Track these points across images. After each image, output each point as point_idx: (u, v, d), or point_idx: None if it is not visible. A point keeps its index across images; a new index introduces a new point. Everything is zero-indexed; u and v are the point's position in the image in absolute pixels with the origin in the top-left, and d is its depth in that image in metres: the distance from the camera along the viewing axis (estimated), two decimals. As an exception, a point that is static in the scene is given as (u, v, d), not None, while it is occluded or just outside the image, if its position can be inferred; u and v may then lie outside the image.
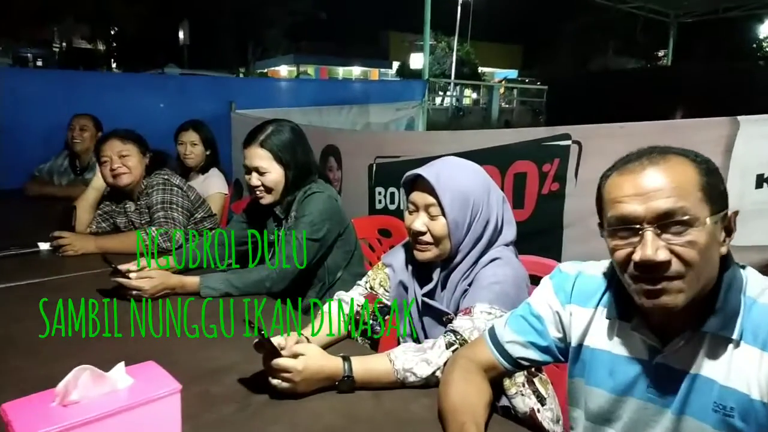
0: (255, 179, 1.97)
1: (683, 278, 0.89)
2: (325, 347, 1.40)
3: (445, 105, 23.90)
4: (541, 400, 1.40)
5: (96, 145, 2.47)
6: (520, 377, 1.39)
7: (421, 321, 1.49)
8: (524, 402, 1.38)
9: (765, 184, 1.83)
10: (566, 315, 1.12)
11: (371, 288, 1.58)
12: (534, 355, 1.16)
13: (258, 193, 1.99)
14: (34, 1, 14.66)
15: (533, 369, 1.42)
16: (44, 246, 2.20)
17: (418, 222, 1.39)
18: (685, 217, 0.88)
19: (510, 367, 1.17)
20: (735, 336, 0.91)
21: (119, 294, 1.73)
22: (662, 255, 0.88)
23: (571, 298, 1.12)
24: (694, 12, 9.29)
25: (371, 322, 1.55)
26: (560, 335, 1.14)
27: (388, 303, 1.56)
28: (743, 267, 0.98)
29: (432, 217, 1.38)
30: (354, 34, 33.71)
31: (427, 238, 1.39)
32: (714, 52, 21.24)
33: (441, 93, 25.03)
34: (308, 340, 1.31)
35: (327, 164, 3.63)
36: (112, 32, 21.22)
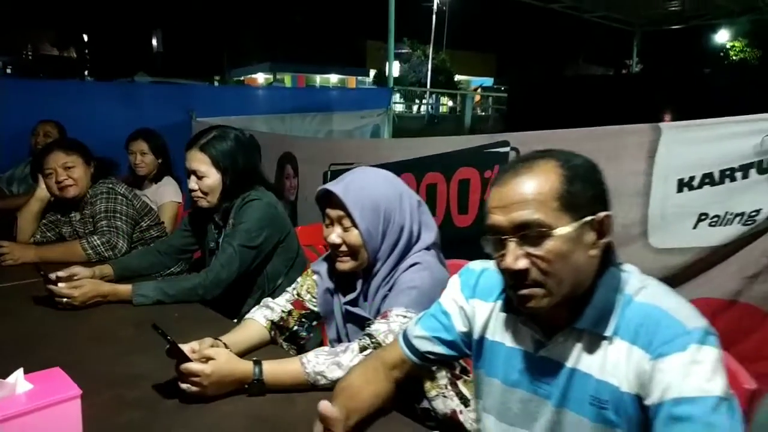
0: (193, 182, 1.99)
1: (544, 285, 0.94)
2: (247, 352, 1.42)
3: (422, 112, 24.07)
4: (465, 401, 1.44)
5: (38, 156, 2.45)
6: (443, 380, 1.43)
7: (346, 328, 1.52)
8: (445, 404, 1.41)
9: (685, 189, 1.91)
10: (470, 309, 1.17)
11: (298, 295, 1.61)
12: (440, 349, 1.20)
13: (195, 196, 2.00)
14: (2, 9, 14.46)
15: (458, 371, 1.46)
16: (-17, 256, 2.18)
17: (334, 235, 1.43)
18: (541, 229, 0.92)
19: (418, 362, 1.21)
20: (608, 333, 0.96)
21: (53, 302, 1.73)
22: (521, 264, 0.93)
23: (475, 293, 1.17)
24: (657, 21, 9.55)
25: (296, 328, 1.58)
26: (466, 329, 1.18)
27: (315, 309, 1.59)
28: (624, 266, 1.02)
29: (345, 229, 1.42)
30: (331, 42, 33.74)
31: (344, 249, 1.43)
32: (677, 59, 21.83)
33: (417, 101, 25.16)
34: (225, 346, 1.33)
35: (284, 171, 3.65)
36: (84, 39, 20.99)
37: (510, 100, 11.67)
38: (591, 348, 0.98)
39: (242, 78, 33.01)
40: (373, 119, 5.82)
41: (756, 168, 1.77)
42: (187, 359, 1.18)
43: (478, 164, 2.45)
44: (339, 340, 1.54)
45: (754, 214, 1.79)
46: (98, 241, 2.26)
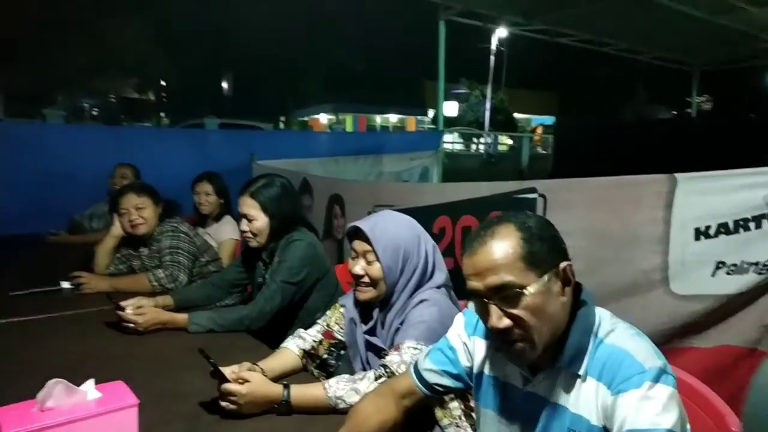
0: (244, 225, 2.24)
1: (526, 339, 1.07)
2: (281, 377, 1.61)
3: (480, 151, 24.18)
4: (478, 432, 1.56)
5: (114, 197, 2.79)
6: (456, 410, 1.56)
7: (367, 356, 1.69)
8: (458, 433, 1.54)
9: (702, 237, 1.97)
10: (471, 345, 1.31)
11: (328, 326, 1.80)
12: (447, 381, 1.34)
13: (246, 237, 2.25)
14: (88, 55, 15.92)
15: (471, 403, 1.59)
16: (66, 285, 2.50)
17: (358, 266, 1.63)
18: (514, 289, 1.05)
19: (427, 392, 1.35)
20: (581, 371, 1.08)
21: (120, 326, 1.99)
22: (504, 323, 1.06)
23: (476, 331, 1.31)
24: (717, 61, 9.39)
25: (326, 356, 1.76)
26: (469, 364, 1.32)
27: (342, 339, 1.77)
28: (596, 309, 1.14)
29: (369, 262, 1.62)
30: (391, 82, 34.73)
31: (366, 280, 1.62)
32: (736, 99, 20.92)
33: (475, 139, 25.33)
34: (262, 370, 1.53)
35: (333, 211, 3.89)
36: (161, 84, 22.73)
37: (557, 142, 11.64)
38: (567, 385, 1.10)
39: (305, 118, 34.41)
40: (422, 161, 6.04)
41: (768, 219, 1.83)
42: (227, 380, 1.39)
43: (508, 209, 2.57)
44: (363, 368, 1.71)
45: (768, 263, 1.83)
46: (162, 274, 2.55)
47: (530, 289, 1.04)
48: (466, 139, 26.75)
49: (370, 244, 1.61)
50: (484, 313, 1.09)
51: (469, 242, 1.12)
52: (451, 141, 22.89)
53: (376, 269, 1.60)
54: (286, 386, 1.43)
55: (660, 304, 2.08)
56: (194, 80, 21.51)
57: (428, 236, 1.69)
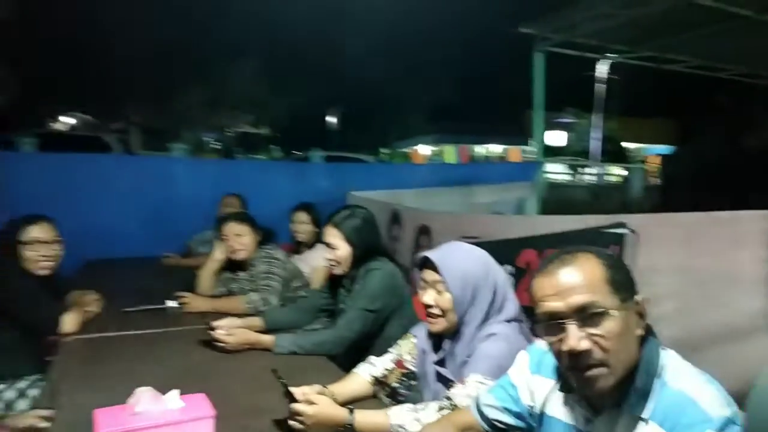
0: (328, 253, 2.35)
1: (605, 364, 1.04)
2: (350, 401, 1.67)
3: (588, 181, 23.19)
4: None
5: (217, 224, 3.04)
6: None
7: (436, 387, 1.70)
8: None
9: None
10: (534, 384, 1.29)
11: (400, 355, 1.83)
12: (507, 419, 1.33)
13: (329, 264, 2.37)
14: (210, 94, 17.47)
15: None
16: (171, 303, 2.76)
17: (428, 296, 1.65)
18: (599, 310, 1.04)
19: (487, 428, 1.35)
20: (645, 415, 1.03)
21: (212, 345, 2.16)
22: (584, 344, 1.04)
23: (539, 370, 1.29)
24: None
25: (396, 385, 1.79)
26: (531, 403, 1.30)
27: (414, 369, 1.79)
28: (663, 349, 1.09)
29: (439, 292, 1.63)
30: (494, 112, 34.53)
31: (436, 310, 1.64)
32: None
33: (580, 170, 24.30)
34: (332, 394, 1.60)
35: (420, 243, 3.94)
36: (274, 119, 24.42)
37: (667, 172, 10.83)
38: (629, 428, 1.05)
39: (407, 150, 35.04)
40: (516, 192, 5.94)
41: None
42: (296, 401, 1.47)
43: (594, 244, 2.48)
44: (433, 399, 1.72)
45: None
46: (256, 297, 2.73)
47: (615, 312, 1.04)
48: (573, 169, 25.78)
49: (439, 274, 1.63)
50: (558, 337, 1.07)
51: (544, 265, 1.13)
52: (558, 172, 22.17)
53: (446, 300, 1.62)
54: (352, 411, 1.48)
55: (765, 353, 1.89)
56: (304, 115, 22.86)
57: (499, 268, 1.69)
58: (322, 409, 1.46)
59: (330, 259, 2.37)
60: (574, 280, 1.07)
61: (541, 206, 6.67)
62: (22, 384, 2.24)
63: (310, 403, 1.47)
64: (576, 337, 1.04)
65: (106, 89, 18.26)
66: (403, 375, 1.80)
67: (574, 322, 1.05)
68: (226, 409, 1.51)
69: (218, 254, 3.03)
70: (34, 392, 2.19)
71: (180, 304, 2.74)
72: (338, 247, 2.33)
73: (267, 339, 2.19)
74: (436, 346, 1.72)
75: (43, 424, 1.65)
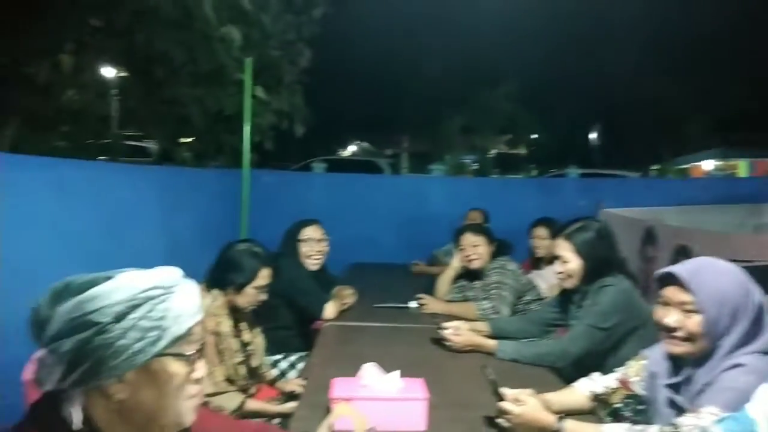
0: (558, 266, 2.31)
1: None
2: (564, 413, 1.62)
3: None
4: None
5: (456, 236, 3.22)
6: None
7: (667, 414, 1.53)
8: None
9: None
10: None
11: (626, 375, 1.70)
12: None
13: (559, 278, 2.32)
14: (466, 118, 18.36)
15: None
16: (412, 304, 3.03)
17: (671, 318, 1.45)
18: None
19: None
20: None
21: (440, 343, 2.33)
22: None
23: None
24: None
25: (619, 406, 1.67)
26: None
27: (640, 392, 1.65)
28: None
29: (686, 313, 1.43)
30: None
31: (681, 334, 1.44)
32: None
33: None
34: (546, 400, 1.58)
35: (677, 262, 3.51)
36: (531, 138, 24.32)
37: None
38: None
39: (686, 166, 30.87)
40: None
41: None
42: (503, 399, 1.50)
43: None
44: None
45: None
46: (487, 305, 2.81)
47: None
48: None
49: (689, 293, 1.43)
50: None
51: None
52: None
53: (695, 323, 1.41)
54: (562, 418, 1.45)
55: None
56: (562, 133, 22.19)
57: (757, 289, 1.44)
58: (529, 411, 1.46)
59: (560, 273, 2.31)
60: None
61: None
62: (293, 357, 2.74)
63: (519, 403, 1.49)
64: None
65: (383, 121, 20.72)
66: (628, 396, 1.67)
67: None
68: (439, 398, 1.63)
69: (455, 263, 3.21)
70: (300, 365, 2.66)
71: (419, 305, 2.99)
72: (569, 260, 2.27)
73: (491, 343, 2.26)
74: (672, 370, 1.55)
75: (300, 390, 2.03)
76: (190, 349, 0.93)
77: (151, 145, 9.20)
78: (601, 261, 2.23)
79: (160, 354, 0.88)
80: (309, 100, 6.70)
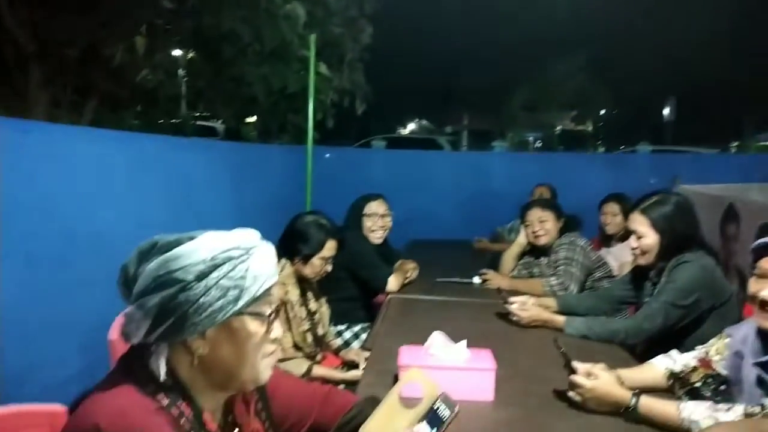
0: (633, 241, 2.20)
1: None
2: (639, 388, 1.56)
3: None
4: None
5: (522, 211, 3.14)
6: None
7: (754, 393, 1.45)
8: None
9: None
10: None
11: (707, 354, 1.62)
12: None
13: (633, 254, 2.22)
14: (530, 94, 17.81)
15: None
16: (476, 279, 3.00)
17: (766, 291, 1.39)
18: None
19: None
20: None
21: (506, 318, 2.29)
22: None
23: None
24: None
25: (699, 385, 1.59)
26: None
27: (722, 371, 1.57)
28: None
29: None
30: None
31: None
32: None
33: None
34: (620, 376, 1.53)
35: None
36: (599, 114, 23.27)
37: None
38: None
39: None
40: None
41: None
42: (575, 373, 1.46)
43: None
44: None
45: None
46: (554, 282, 2.74)
47: None
48: None
49: None
50: None
51: None
52: None
53: None
54: (637, 394, 1.40)
55: None
56: (633, 108, 21.11)
57: None
58: (601, 385, 1.42)
59: (635, 248, 2.21)
60: None
61: None
62: (356, 328, 2.78)
63: (592, 377, 1.45)
64: None
65: (443, 99, 20.46)
66: (709, 376, 1.59)
67: None
68: (507, 370, 1.61)
69: (521, 239, 3.15)
70: (363, 335, 2.70)
71: (483, 280, 2.96)
72: (644, 235, 2.16)
73: (559, 319, 2.20)
74: (763, 349, 1.46)
75: (363, 361, 2.06)
76: (267, 309, 0.95)
77: (218, 124, 9.50)
78: (679, 236, 2.10)
79: (240, 312, 0.91)
80: (369, 78, 6.69)
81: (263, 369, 0.98)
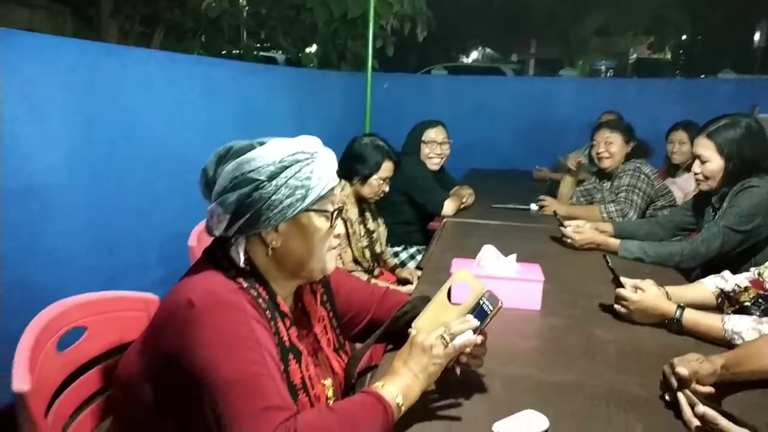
0: (697, 166, 2.14)
1: None
2: (688, 305, 1.59)
3: None
4: None
5: (592, 131, 3.07)
6: None
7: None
8: None
9: None
10: None
11: (759, 275, 1.61)
12: None
13: (697, 179, 2.17)
14: (601, 19, 16.68)
15: None
16: (533, 206, 3.02)
17: None
18: None
19: None
20: None
21: (561, 241, 2.33)
22: None
23: None
24: None
25: (749, 305, 1.60)
26: None
27: (773, 292, 1.57)
28: None
29: None
30: None
31: None
32: None
33: None
34: (668, 292, 1.56)
35: None
36: (680, 41, 21.51)
37: None
38: None
39: None
40: None
41: None
42: (622, 287, 1.52)
43: None
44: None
45: None
46: (613, 208, 2.73)
47: None
48: None
49: None
50: None
51: None
52: None
53: None
54: (680, 307, 1.44)
55: None
56: (718, 34, 19.40)
57: None
58: (647, 297, 1.47)
59: (697, 174, 2.16)
60: None
61: None
62: (412, 249, 2.90)
63: (638, 290, 1.50)
64: None
65: (508, 25, 19.49)
66: (760, 297, 1.59)
67: None
68: (555, 284, 1.68)
69: (571, 163, 3.13)
70: (419, 257, 2.82)
71: (540, 207, 2.98)
72: (709, 160, 2.10)
73: (613, 241, 2.22)
74: None
75: (417, 279, 2.18)
76: (330, 207, 1.06)
77: (279, 55, 9.55)
78: (747, 161, 2.03)
79: (307, 209, 1.02)
80: (431, 3, 6.48)
81: (329, 260, 1.10)
